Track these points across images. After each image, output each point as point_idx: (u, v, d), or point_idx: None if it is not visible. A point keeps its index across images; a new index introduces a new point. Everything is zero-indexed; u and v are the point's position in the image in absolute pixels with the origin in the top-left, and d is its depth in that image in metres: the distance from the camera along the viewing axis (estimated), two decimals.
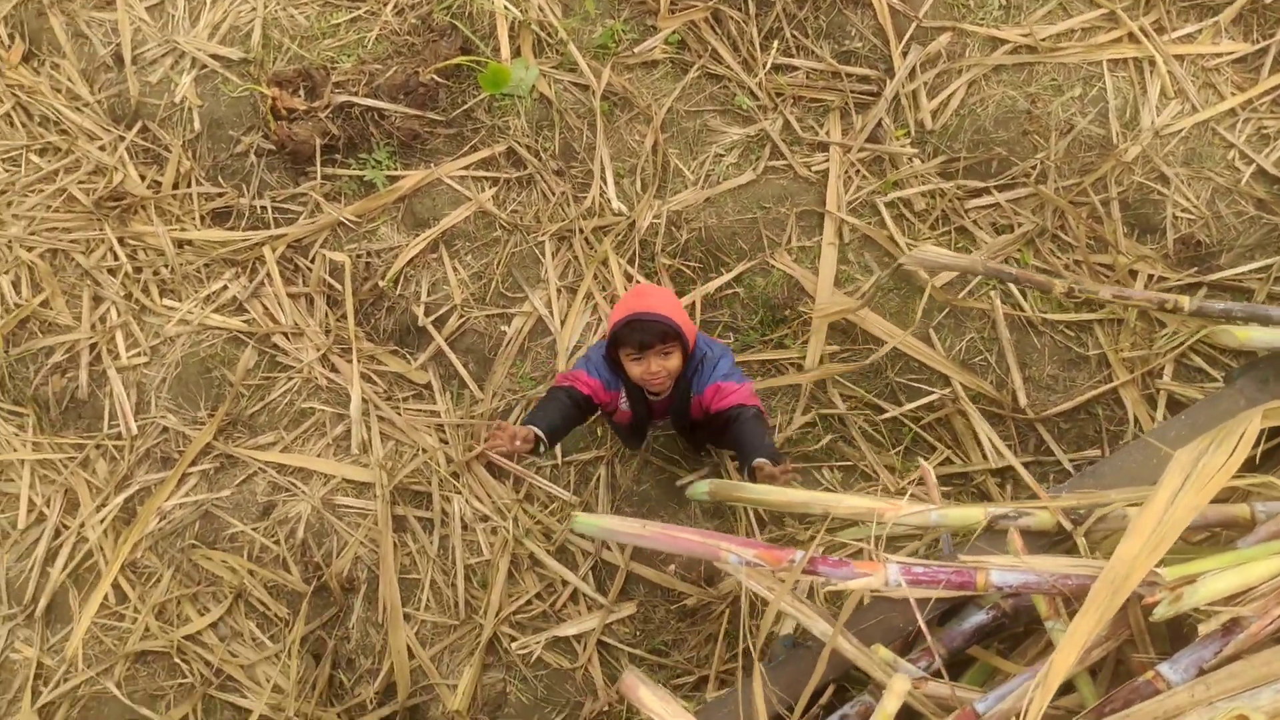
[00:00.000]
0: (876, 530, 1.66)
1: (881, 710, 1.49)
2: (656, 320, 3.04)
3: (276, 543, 4.28)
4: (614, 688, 3.98)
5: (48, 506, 4.45)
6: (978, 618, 1.68)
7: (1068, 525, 1.73)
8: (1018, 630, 1.71)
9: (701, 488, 1.82)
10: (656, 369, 3.12)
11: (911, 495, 4.02)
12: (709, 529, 4.15)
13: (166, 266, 4.68)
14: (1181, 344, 4.07)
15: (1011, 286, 4.22)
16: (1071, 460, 4.04)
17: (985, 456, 4.06)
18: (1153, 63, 4.36)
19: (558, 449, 4.30)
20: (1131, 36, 4.39)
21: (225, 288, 4.66)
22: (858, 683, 1.79)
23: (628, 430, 3.53)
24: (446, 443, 4.37)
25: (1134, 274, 4.21)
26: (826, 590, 1.63)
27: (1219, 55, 4.37)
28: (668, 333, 3.06)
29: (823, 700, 1.60)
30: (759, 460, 2.85)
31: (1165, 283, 4.18)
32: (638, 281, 4.38)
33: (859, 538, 1.70)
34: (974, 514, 1.72)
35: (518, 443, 2.97)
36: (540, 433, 3.05)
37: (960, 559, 1.60)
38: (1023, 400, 4.09)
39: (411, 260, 4.57)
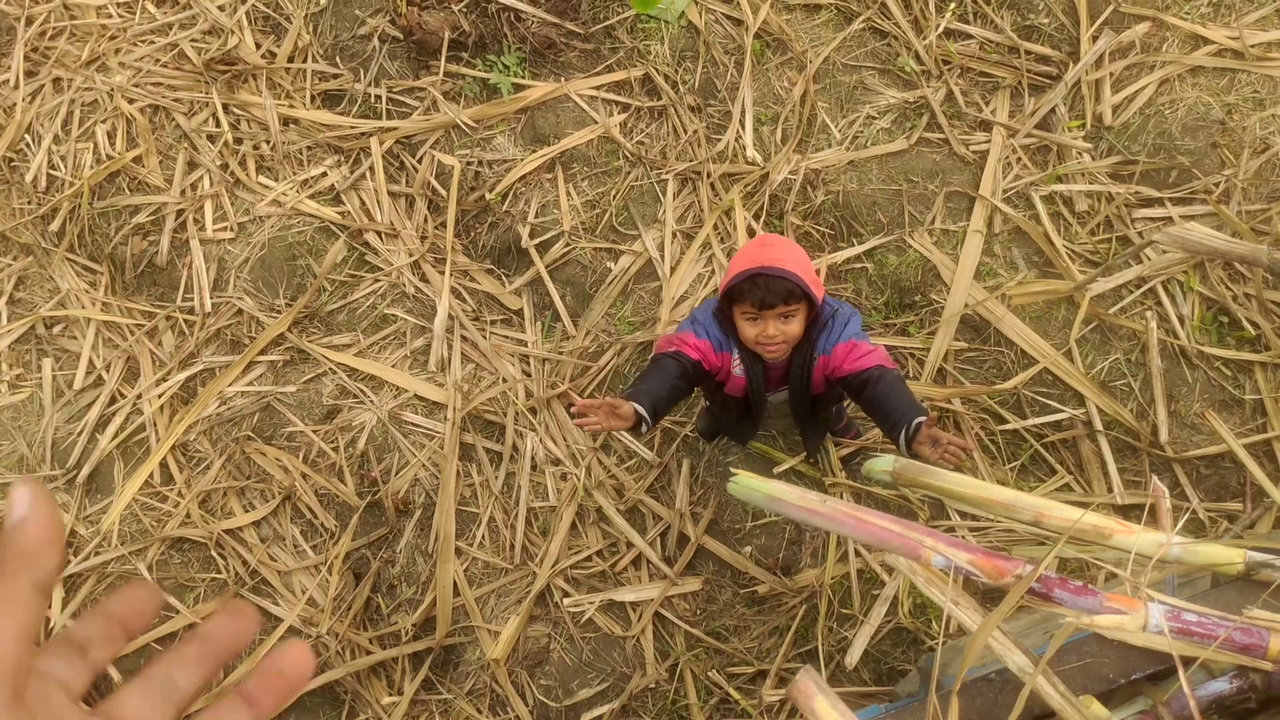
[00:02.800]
0: (1108, 556, 1.32)
1: None
2: (782, 276, 2.55)
3: (335, 449, 4.03)
4: (662, 667, 3.68)
5: (107, 371, 4.25)
6: (1217, 686, 1.34)
7: None
8: (1251, 707, 1.38)
9: (881, 465, 1.49)
10: (774, 332, 2.65)
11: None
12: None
13: (268, 142, 4.43)
14: None
15: (1171, 312, 3.81)
16: (1207, 510, 3.63)
17: (1110, 489, 3.67)
18: None
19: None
20: None
21: (324, 174, 4.40)
22: None
23: (739, 407, 3.06)
24: (529, 375, 4.08)
25: None
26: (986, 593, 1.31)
27: None
28: (793, 293, 2.58)
29: None
30: (924, 420, 2.47)
31: None
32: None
33: (1087, 557, 1.40)
34: (1229, 555, 1.38)
35: (614, 420, 2.50)
36: (643, 411, 2.56)
37: (1250, 614, 1.27)
38: (1164, 435, 3.69)
39: (524, 177, 4.26)
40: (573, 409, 2.49)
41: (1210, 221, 3.90)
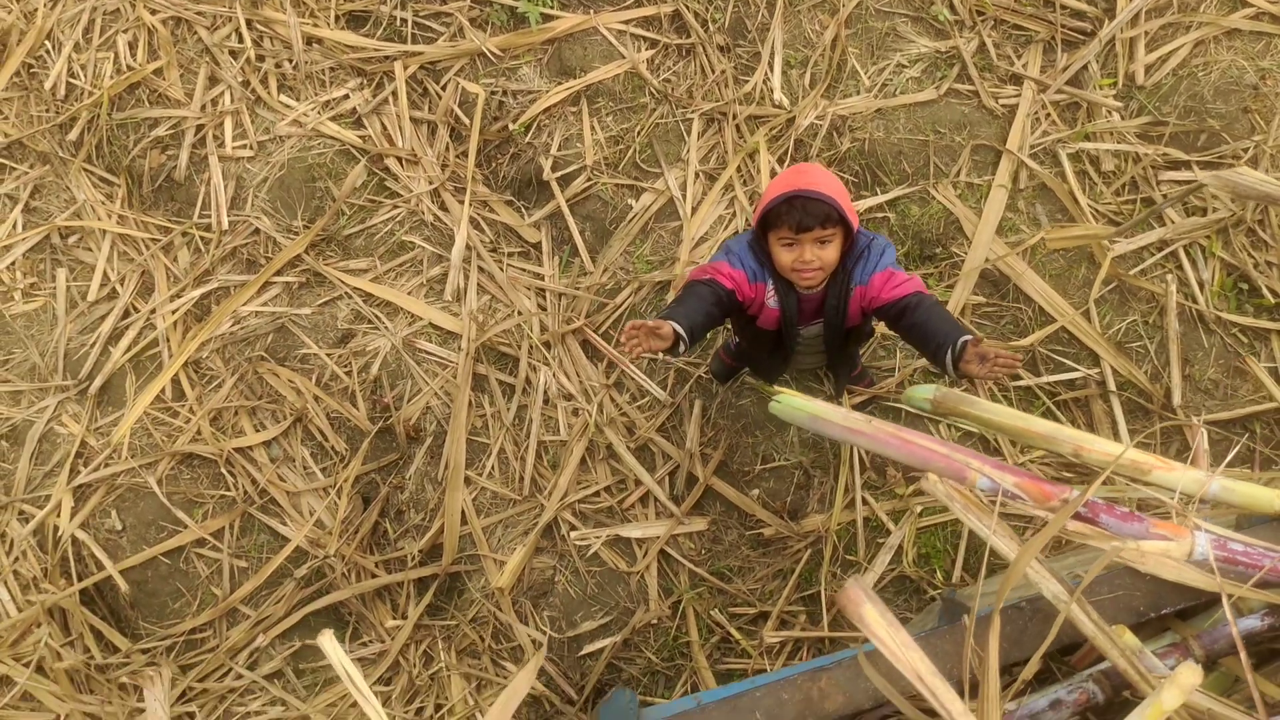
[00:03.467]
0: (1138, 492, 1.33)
1: (1155, 705, 1.18)
2: (819, 199, 2.51)
3: (349, 373, 4.03)
4: (665, 604, 3.71)
5: (121, 284, 4.23)
6: (1249, 623, 1.34)
7: None
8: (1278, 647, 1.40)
9: (922, 392, 1.48)
10: (811, 258, 2.59)
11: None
12: (802, 462, 3.85)
13: (291, 61, 4.38)
14: None
15: (1191, 276, 3.80)
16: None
17: None
18: None
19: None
20: None
21: (347, 97, 4.35)
22: (1060, 661, 1.48)
23: (771, 341, 3.00)
24: (545, 310, 4.07)
25: None
26: (1017, 522, 1.31)
27: None
28: (830, 215, 2.53)
29: (1025, 674, 1.28)
30: (970, 339, 2.44)
31: None
32: None
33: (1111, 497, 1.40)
34: (1266, 496, 1.38)
35: (654, 341, 2.46)
36: (681, 331, 2.51)
37: None
38: (1177, 399, 3.69)
39: (549, 109, 4.22)
40: (620, 336, 2.46)
41: (1198, 188, 3.88)
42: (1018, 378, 3.78)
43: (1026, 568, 1.30)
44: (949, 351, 2.38)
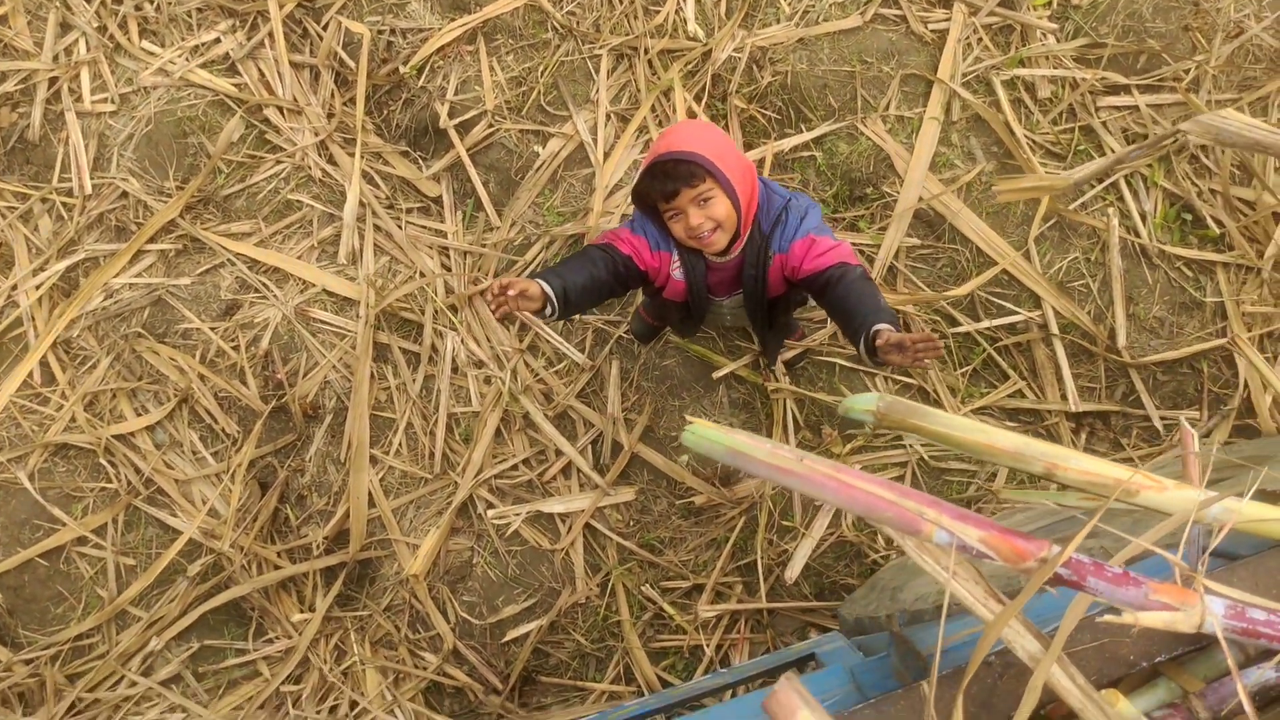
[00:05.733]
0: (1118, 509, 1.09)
1: None
2: (678, 158, 2.24)
3: (236, 348, 3.68)
4: (592, 582, 3.47)
5: None
6: (1263, 674, 1.12)
7: None
8: None
9: (862, 404, 1.23)
10: (698, 221, 2.31)
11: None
12: (732, 424, 3.60)
13: (152, 2, 3.94)
14: None
15: (1133, 209, 3.60)
16: (1164, 419, 3.48)
17: (1065, 397, 3.50)
18: None
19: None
20: None
21: (218, 40, 3.93)
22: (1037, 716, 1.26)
23: (680, 310, 2.75)
24: (449, 270, 3.74)
25: (1277, 217, 3.58)
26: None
27: None
28: (694, 172, 2.25)
29: None
30: (884, 328, 2.20)
31: None
32: (702, 121, 3.71)
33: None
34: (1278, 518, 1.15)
35: (521, 301, 2.18)
36: (550, 291, 2.27)
37: None
38: (1121, 340, 3.51)
39: (443, 49, 3.84)
40: (486, 296, 2.17)
41: (1177, 110, 3.67)
42: (944, 361, 3.56)
43: (1006, 633, 1.06)
44: (864, 336, 2.15)
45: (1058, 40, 3.75)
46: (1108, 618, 1.02)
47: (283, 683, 3.51)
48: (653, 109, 3.77)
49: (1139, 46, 3.68)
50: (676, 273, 2.55)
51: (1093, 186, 3.65)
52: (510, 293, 2.17)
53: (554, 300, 2.28)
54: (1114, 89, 3.71)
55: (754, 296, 2.58)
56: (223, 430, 3.66)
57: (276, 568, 3.57)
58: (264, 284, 3.72)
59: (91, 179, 3.81)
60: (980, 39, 3.79)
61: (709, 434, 1.12)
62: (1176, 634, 1.14)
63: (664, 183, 2.29)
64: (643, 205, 2.44)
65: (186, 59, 3.89)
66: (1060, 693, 1.06)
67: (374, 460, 3.60)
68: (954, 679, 1.13)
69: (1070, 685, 1.05)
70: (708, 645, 3.42)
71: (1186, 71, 3.67)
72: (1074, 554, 1.03)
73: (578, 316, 3.66)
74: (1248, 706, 1.01)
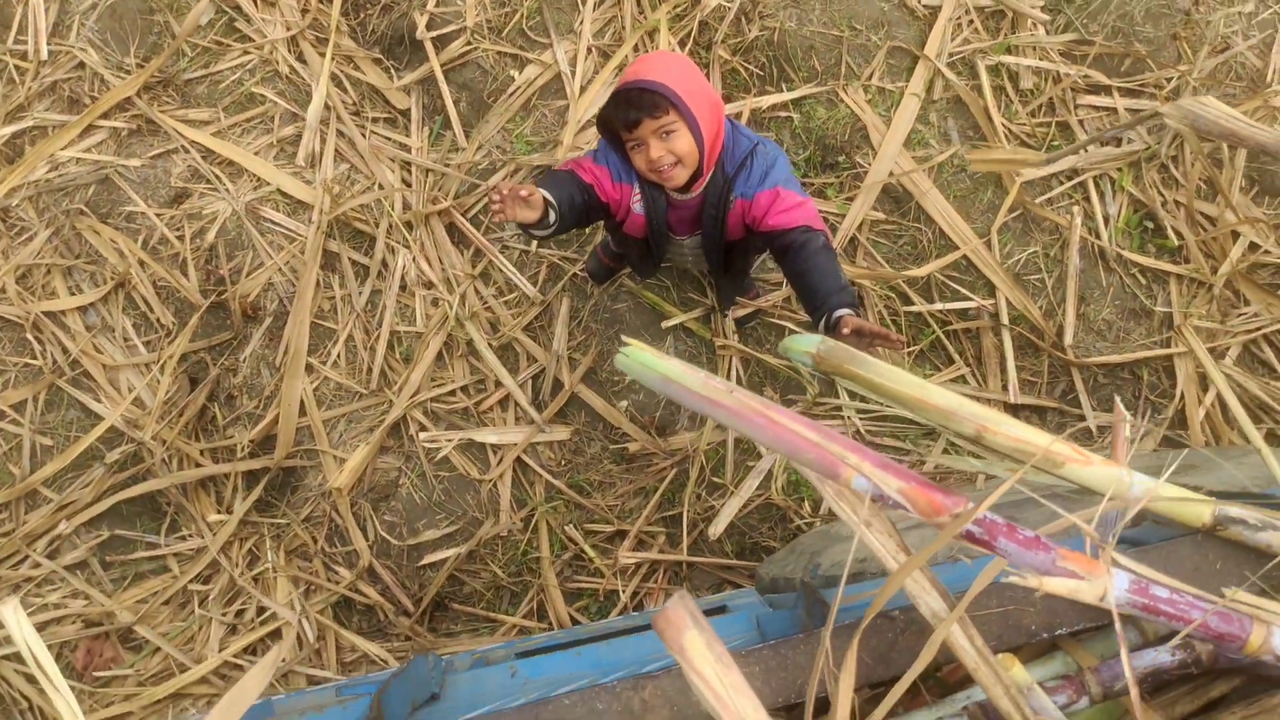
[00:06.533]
0: (1041, 477, 1.08)
1: None
2: (643, 87, 2.21)
3: (180, 238, 3.58)
4: (517, 516, 3.45)
5: None
6: (1158, 658, 1.12)
7: None
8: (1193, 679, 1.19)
9: (803, 344, 1.20)
10: (658, 154, 2.28)
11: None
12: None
13: None
14: (1259, 329, 3.52)
15: (1098, 210, 3.60)
16: (1099, 422, 3.51)
17: (1006, 388, 3.51)
18: None
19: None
20: None
21: None
22: (933, 676, 1.26)
23: (640, 247, 2.73)
24: (409, 186, 3.66)
25: (1235, 235, 3.61)
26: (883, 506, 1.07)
27: None
28: (658, 103, 2.22)
29: (886, 704, 1.04)
30: (845, 313, 2.20)
31: (1263, 257, 3.59)
32: None
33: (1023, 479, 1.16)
34: (1196, 510, 1.15)
35: (524, 210, 2.17)
36: (551, 199, 2.26)
37: (1231, 597, 1.04)
38: (1068, 338, 3.52)
39: None
40: (491, 196, 2.15)
41: (1154, 119, 3.67)
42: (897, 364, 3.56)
43: (909, 583, 1.05)
44: (825, 318, 2.16)
45: (1048, 32, 3.73)
46: (1012, 578, 1.01)
47: (191, 581, 3.46)
48: (636, 48, 3.71)
49: (1126, 49, 3.67)
50: (637, 206, 2.52)
51: (1061, 183, 3.64)
52: (523, 194, 2.14)
53: (556, 208, 2.25)
54: (1096, 88, 3.70)
55: (712, 238, 2.56)
56: (158, 320, 3.57)
57: (198, 465, 3.50)
58: (217, 176, 3.62)
59: (49, 44, 3.67)
60: (971, 21, 3.75)
61: (644, 358, 1.10)
62: (1080, 608, 1.14)
63: (627, 111, 2.25)
64: (607, 133, 2.40)
65: None
66: (958, 652, 1.05)
67: (310, 369, 3.54)
68: (854, 629, 1.12)
69: (968, 646, 1.04)
70: (623, 591, 3.41)
71: (1169, 79, 3.67)
72: (988, 514, 1.02)
73: (534, 248, 3.61)
74: (1131, 683, 1.00)
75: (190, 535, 3.52)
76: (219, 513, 3.50)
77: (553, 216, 2.27)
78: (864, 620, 1.08)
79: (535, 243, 3.58)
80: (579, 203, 2.40)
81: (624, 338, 1.20)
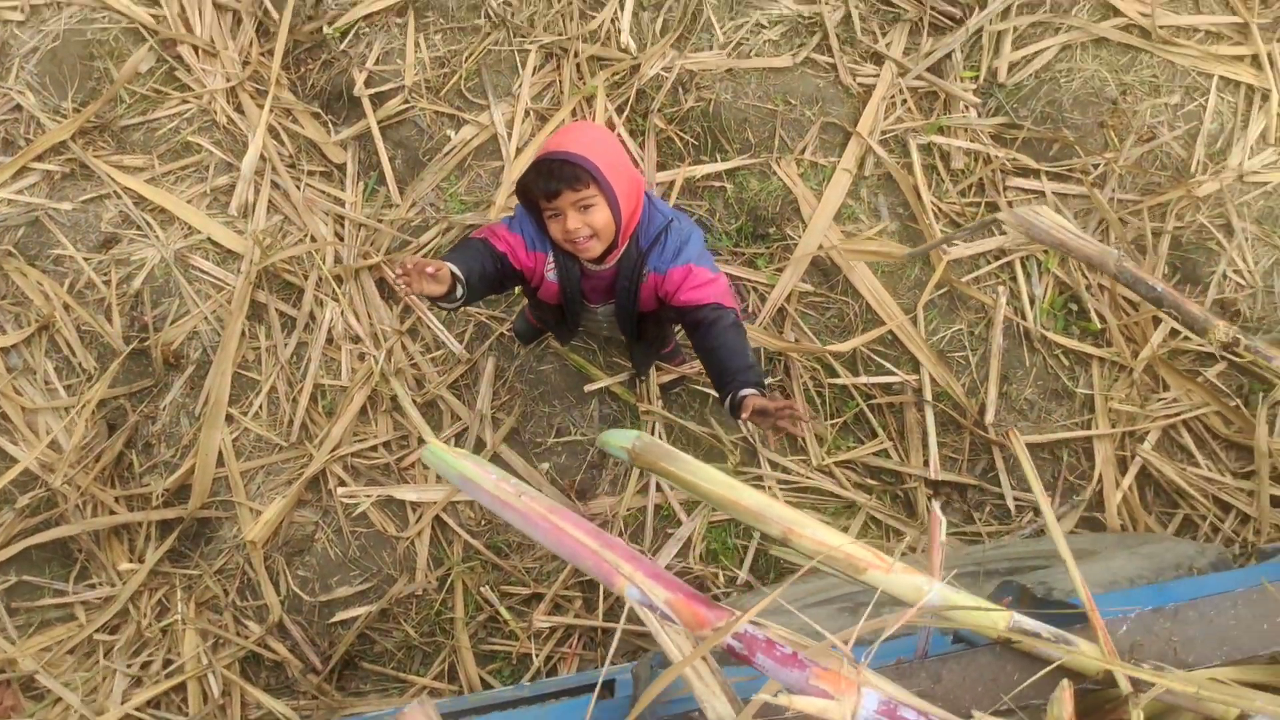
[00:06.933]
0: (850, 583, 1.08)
1: None
2: (565, 159, 2.23)
3: (107, 283, 3.58)
4: (432, 576, 3.43)
5: None
6: None
7: (1126, 685, 1.17)
8: None
9: (619, 439, 1.22)
10: (575, 226, 2.29)
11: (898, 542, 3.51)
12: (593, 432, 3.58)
13: None
14: (1178, 415, 3.56)
15: (1023, 291, 3.65)
16: (1016, 501, 3.53)
17: (927, 464, 3.53)
18: (1266, 97, 3.75)
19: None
20: (1255, 60, 3.77)
21: None
22: None
23: (555, 313, 2.76)
24: (341, 239, 3.68)
25: (1156, 321, 3.66)
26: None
27: None
28: (579, 175, 2.24)
29: None
30: (749, 393, 2.22)
31: (1183, 343, 3.63)
32: (616, 133, 3.69)
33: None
34: (993, 620, 1.16)
35: (431, 284, 2.18)
36: (459, 273, 2.27)
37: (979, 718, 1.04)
38: (990, 416, 3.55)
39: (371, 16, 3.78)
40: (395, 270, 2.17)
41: (1081, 204, 3.74)
42: (815, 412, 3.59)
43: (693, 678, 1.05)
44: (730, 397, 2.20)
45: (979, 114, 3.80)
46: (765, 697, 1.01)
47: (98, 630, 3.41)
48: (574, 112, 3.75)
49: (1054, 134, 3.74)
50: (551, 274, 2.55)
51: (989, 262, 3.69)
52: (428, 270, 2.15)
53: (463, 282, 2.27)
54: (1025, 171, 3.77)
55: (625, 309, 2.59)
56: (80, 365, 3.55)
57: (112, 512, 3.47)
58: (148, 222, 3.62)
59: None
60: (904, 100, 3.82)
61: (444, 456, 1.11)
62: None
63: (548, 181, 2.27)
64: (525, 199, 2.43)
65: None
66: None
67: (230, 419, 3.52)
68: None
69: None
70: (537, 655, 3.38)
71: (1096, 166, 3.73)
72: (749, 629, 1.02)
73: (434, 304, 3.62)
74: None
75: (100, 583, 3.48)
76: (130, 561, 3.47)
77: (460, 290, 2.28)
78: (636, 708, 1.08)
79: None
80: (490, 271, 2.42)
81: (425, 436, 1.21)
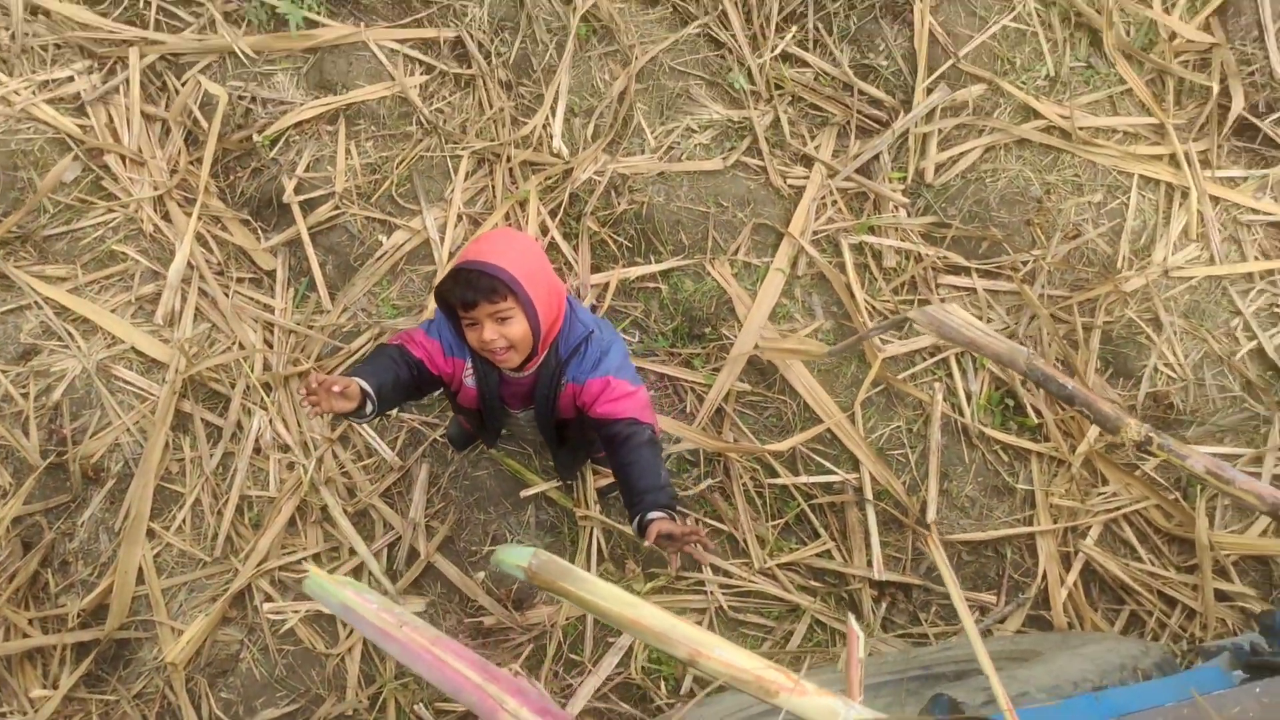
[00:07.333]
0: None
1: None
2: (484, 271, 2.20)
3: (25, 396, 3.47)
4: (364, 694, 3.28)
5: None
6: None
7: None
8: None
9: (514, 558, 1.16)
10: (490, 336, 2.27)
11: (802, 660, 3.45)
12: (536, 545, 3.49)
13: (8, 29, 3.80)
14: (1118, 509, 3.55)
15: (960, 387, 3.65)
16: (968, 601, 3.48)
17: (870, 564, 3.48)
18: (1186, 194, 3.84)
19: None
20: (1173, 159, 3.87)
21: (71, 79, 3.80)
22: None
23: (476, 418, 2.72)
24: (270, 347, 3.61)
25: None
26: None
27: (1256, 212, 3.87)
28: (498, 287, 2.21)
29: None
30: (656, 516, 2.19)
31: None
32: (550, 236, 3.69)
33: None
34: None
35: (340, 401, 2.15)
36: (368, 388, 2.23)
37: None
38: (931, 514, 3.52)
39: (301, 124, 3.78)
40: (300, 390, 2.14)
41: (1012, 300, 3.77)
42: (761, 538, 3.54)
43: None
44: (639, 518, 2.19)
45: (908, 214, 3.85)
46: None
47: None
48: (506, 217, 3.74)
49: (982, 233, 3.80)
50: (469, 380, 2.53)
51: (924, 359, 3.70)
52: (335, 389, 2.11)
53: (372, 398, 2.23)
54: (955, 269, 3.81)
55: (544, 416, 2.57)
56: None
57: (25, 635, 3.30)
58: (70, 333, 3.53)
59: None
60: (835, 201, 3.87)
61: (325, 585, 1.05)
62: None
63: (464, 291, 2.25)
64: (443, 305, 2.40)
65: (34, 92, 3.74)
66: None
67: (151, 534, 3.39)
68: None
69: None
70: None
71: (1024, 263, 3.78)
72: None
73: (394, 413, 3.55)
74: None
75: (10, 712, 3.29)
76: (44, 687, 3.29)
77: (369, 406, 2.24)
78: None
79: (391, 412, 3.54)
80: (405, 379, 2.39)
81: (307, 564, 1.14)
